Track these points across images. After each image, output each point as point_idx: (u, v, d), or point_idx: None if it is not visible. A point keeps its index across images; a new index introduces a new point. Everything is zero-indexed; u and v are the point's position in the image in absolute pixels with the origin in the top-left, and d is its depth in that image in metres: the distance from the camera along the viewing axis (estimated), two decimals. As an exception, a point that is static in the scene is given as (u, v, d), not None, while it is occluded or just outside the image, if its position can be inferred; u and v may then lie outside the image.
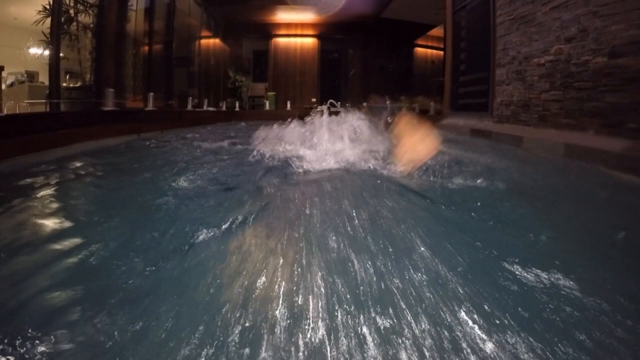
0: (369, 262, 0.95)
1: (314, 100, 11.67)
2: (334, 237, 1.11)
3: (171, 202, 1.51)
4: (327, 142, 2.64)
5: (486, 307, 0.77)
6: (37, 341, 0.66)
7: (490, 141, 4.26)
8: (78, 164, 2.36)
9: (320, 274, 0.89)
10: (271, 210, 1.41)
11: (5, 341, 0.66)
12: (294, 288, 0.84)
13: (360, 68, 12.80)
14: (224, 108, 9.89)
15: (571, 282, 0.87)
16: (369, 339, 0.68)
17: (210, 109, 8.64)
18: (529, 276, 0.90)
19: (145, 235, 1.16)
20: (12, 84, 6.40)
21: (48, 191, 1.71)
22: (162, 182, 1.96)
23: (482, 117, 5.07)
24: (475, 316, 0.74)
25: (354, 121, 2.94)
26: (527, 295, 0.83)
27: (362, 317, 0.74)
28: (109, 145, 3.52)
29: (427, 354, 0.65)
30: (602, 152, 2.65)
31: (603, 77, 2.90)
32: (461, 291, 0.82)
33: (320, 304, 0.77)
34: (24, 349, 0.65)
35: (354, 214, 1.32)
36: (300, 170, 2.18)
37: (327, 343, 0.67)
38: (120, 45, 6.40)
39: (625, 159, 2.43)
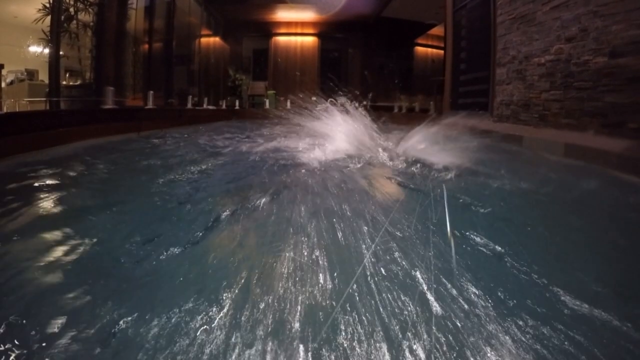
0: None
1: (314, 99, 11.65)
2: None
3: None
4: None
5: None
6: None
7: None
8: (87, 164, 2.36)
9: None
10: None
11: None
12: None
13: (360, 67, 12.77)
14: (224, 107, 9.88)
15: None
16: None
17: (210, 107, 8.63)
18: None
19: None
20: (12, 82, 6.39)
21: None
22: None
23: (482, 117, 5.07)
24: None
25: None
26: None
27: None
28: (110, 144, 3.51)
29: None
30: (602, 152, 2.65)
31: (603, 77, 2.90)
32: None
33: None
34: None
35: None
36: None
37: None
38: (120, 43, 6.39)
39: (625, 159, 2.43)
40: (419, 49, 12.95)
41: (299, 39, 12.70)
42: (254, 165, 2.40)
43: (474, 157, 2.44)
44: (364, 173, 2.15)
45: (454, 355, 0.61)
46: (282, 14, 11.62)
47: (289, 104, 10.89)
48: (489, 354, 0.62)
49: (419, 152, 2.68)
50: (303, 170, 2.17)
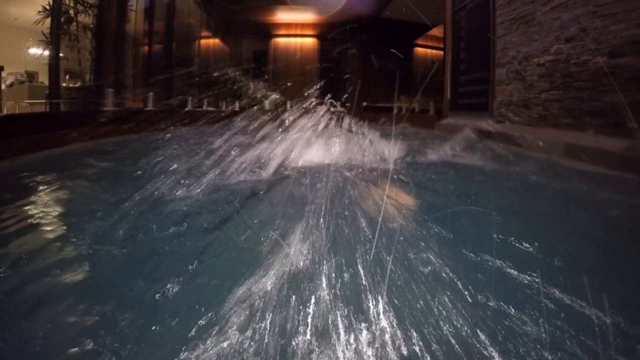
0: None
1: (313, 100, 11.66)
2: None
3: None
4: None
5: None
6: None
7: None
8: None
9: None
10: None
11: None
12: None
13: (359, 68, 12.79)
14: (223, 108, 9.89)
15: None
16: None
17: (210, 109, 8.63)
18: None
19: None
20: (12, 84, 6.39)
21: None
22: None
23: (482, 117, 5.07)
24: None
25: None
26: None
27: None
28: (113, 144, 3.51)
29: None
30: (602, 151, 2.65)
31: (603, 77, 2.90)
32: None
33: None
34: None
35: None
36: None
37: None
38: (120, 45, 6.40)
39: (625, 159, 2.43)
40: (419, 49, 12.98)
41: (299, 40, 12.72)
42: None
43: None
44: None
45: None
46: (282, 15, 11.64)
47: (288, 104, 10.92)
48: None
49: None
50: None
